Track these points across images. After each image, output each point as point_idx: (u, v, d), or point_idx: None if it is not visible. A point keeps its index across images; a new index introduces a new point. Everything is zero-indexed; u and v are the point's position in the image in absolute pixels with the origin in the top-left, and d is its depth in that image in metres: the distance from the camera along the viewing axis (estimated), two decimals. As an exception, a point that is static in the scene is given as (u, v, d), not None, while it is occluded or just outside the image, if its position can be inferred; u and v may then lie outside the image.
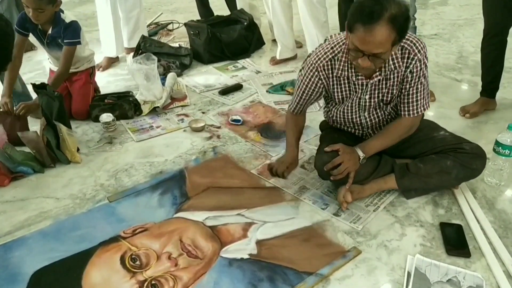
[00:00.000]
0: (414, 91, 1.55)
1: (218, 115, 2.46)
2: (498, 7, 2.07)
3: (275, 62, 3.17)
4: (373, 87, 1.57)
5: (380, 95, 1.59)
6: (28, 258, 1.48)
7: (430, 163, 1.64)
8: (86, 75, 2.53)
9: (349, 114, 1.70)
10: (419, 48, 1.50)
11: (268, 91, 2.71)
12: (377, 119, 1.69)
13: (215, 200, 1.75)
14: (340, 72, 1.56)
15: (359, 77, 1.55)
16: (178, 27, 4.00)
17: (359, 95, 1.61)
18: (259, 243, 1.52)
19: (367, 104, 1.63)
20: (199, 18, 3.77)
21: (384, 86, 1.56)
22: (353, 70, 1.54)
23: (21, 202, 1.79)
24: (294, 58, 3.22)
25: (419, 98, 1.57)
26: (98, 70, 2.97)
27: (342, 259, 1.43)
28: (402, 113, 1.61)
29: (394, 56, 1.48)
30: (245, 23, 3.35)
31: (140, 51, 3.06)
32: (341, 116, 1.73)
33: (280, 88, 2.72)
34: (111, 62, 3.22)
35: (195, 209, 1.70)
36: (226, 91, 2.72)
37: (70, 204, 1.76)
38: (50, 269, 1.44)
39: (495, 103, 2.34)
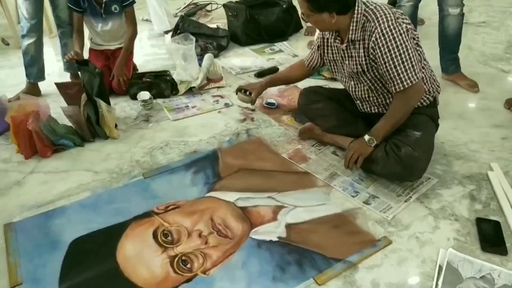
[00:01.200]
0: (392, 65, 1.56)
1: (253, 98, 2.46)
2: None
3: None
4: (347, 54, 1.71)
5: (354, 62, 1.70)
6: (67, 227, 1.56)
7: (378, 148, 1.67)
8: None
9: (344, 83, 1.86)
10: (381, 21, 1.54)
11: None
12: (362, 89, 1.76)
13: (246, 182, 1.76)
14: (327, 35, 1.80)
15: (336, 41, 1.73)
16: (216, 8, 4.00)
17: (341, 60, 1.77)
18: (288, 226, 1.53)
19: (349, 70, 1.74)
20: (238, -1, 3.75)
21: (354, 53, 1.68)
22: (332, 35, 1.76)
23: (62, 173, 1.87)
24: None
25: (400, 71, 1.56)
26: None
27: (372, 248, 1.42)
28: (393, 89, 1.62)
29: (352, 27, 1.61)
30: (284, 6, 3.31)
31: (179, 31, 3.09)
32: (344, 85, 1.88)
33: (317, 73, 2.67)
34: None
35: (226, 190, 1.72)
36: (262, 73, 2.71)
37: (107, 178, 1.83)
38: (87, 238, 1.51)
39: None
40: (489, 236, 1.44)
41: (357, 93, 1.80)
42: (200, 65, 2.67)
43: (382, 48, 1.55)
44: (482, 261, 1.35)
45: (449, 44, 2.46)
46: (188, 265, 1.38)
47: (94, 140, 2.09)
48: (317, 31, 2.04)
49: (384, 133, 1.65)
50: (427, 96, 1.72)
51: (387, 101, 1.75)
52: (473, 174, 1.76)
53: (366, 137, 1.66)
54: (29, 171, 1.89)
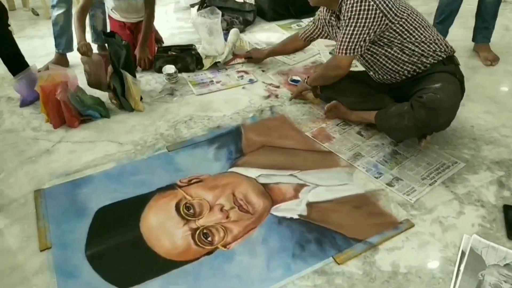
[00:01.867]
0: (342, 31, 1.70)
1: (278, 75, 2.44)
2: None
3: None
4: (338, 27, 1.81)
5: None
6: (94, 196, 1.60)
7: (400, 104, 1.69)
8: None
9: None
10: None
11: (331, 52, 2.62)
12: (369, 60, 1.82)
13: (269, 159, 1.76)
14: (325, 13, 1.93)
15: (332, 18, 1.87)
16: (243, -18, 3.92)
17: (335, 36, 1.88)
18: (309, 205, 1.53)
19: None
20: (266, -28, 3.66)
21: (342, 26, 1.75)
22: (328, 12, 1.89)
23: (89, 143, 1.91)
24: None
25: (342, 39, 1.69)
26: None
27: (393, 230, 1.41)
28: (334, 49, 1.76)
29: (344, 3, 1.68)
30: (313, -20, 3.21)
31: (205, 4, 3.05)
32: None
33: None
34: None
35: (249, 166, 1.73)
36: None
37: (131, 150, 1.86)
38: (113, 207, 1.55)
39: None
40: (516, 224, 1.41)
41: (365, 64, 1.87)
42: (225, 39, 2.65)
43: (346, 16, 1.66)
44: (507, 249, 1.32)
45: (483, 13, 2.46)
46: (209, 238, 1.41)
47: (111, 90, 2.11)
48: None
49: (315, 83, 1.99)
50: (434, 55, 1.71)
51: (401, 68, 1.75)
52: (502, 160, 1.71)
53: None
54: (58, 140, 1.94)
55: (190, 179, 1.66)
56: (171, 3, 3.62)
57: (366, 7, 1.61)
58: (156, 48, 2.63)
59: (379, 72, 1.83)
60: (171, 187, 1.63)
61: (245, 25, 3.04)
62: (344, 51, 1.70)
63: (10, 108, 2.21)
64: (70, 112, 1.99)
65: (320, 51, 2.67)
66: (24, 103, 2.22)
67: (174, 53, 2.50)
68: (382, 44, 1.72)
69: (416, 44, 1.69)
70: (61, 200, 1.59)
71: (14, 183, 1.69)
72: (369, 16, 1.61)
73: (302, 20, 3.15)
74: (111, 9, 2.56)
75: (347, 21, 1.66)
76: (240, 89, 2.31)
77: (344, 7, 1.66)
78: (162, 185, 1.64)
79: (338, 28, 1.80)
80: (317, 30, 2.05)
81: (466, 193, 1.56)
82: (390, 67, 1.77)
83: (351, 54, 1.70)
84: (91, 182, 1.67)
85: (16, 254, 1.38)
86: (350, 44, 1.68)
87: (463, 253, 1.32)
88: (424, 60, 1.71)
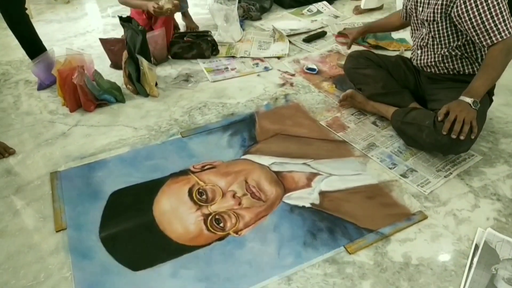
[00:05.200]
0: (488, 16, 1.48)
1: (293, 62, 2.41)
2: None
3: (359, 11, 3.00)
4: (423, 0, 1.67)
5: (430, 7, 1.63)
6: (108, 179, 1.62)
7: (421, 113, 1.64)
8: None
9: (415, 30, 1.80)
10: None
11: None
12: (431, 38, 1.70)
13: (282, 147, 1.76)
14: None
15: None
16: (261, -32, 3.87)
17: (419, 5, 1.71)
18: (322, 194, 1.52)
19: (424, 13, 1.67)
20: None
21: (431, 0, 1.63)
22: None
23: (104, 127, 1.93)
24: (380, 8, 3.02)
25: (497, 21, 1.48)
26: None
27: (406, 222, 1.40)
28: (488, 41, 1.51)
29: None
30: (332, -33, 3.16)
31: (222, -10, 3.03)
32: (412, 35, 1.84)
33: (362, 40, 2.58)
34: None
35: (262, 153, 1.73)
36: (309, 38, 2.63)
37: (146, 135, 1.87)
38: (127, 191, 1.57)
39: None
40: (532, 219, 1.38)
41: (423, 41, 1.75)
42: (242, 27, 2.63)
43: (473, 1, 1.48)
44: (522, 244, 1.30)
45: None
46: (221, 224, 1.42)
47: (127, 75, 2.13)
48: None
49: (483, 91, 1.50)
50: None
51: (447, 59, 1.70)
52: (521, 153, 1.68)
53: (466, 98, 1.48)
54: (74, 124, 1.97)
55: (204, 165, 1.67)
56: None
57: None
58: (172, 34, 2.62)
59: (429, 53, 1.74)
60: (185, 172, 1.64)
61: (262, 12, 3.02)
62: (507, 30, 1.48)
63: (28, 91, 2.25)
64: (86, 96, 2.01)
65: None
66: (41, 87, 2.25)
67: (190, 39, 2.49)
68: (460, 26, 1.60)
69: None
70: (76, 183, 1.61)
71: (31, 165, 1.72)
72: None
73: (313, 4, 3.10)
74: None
75: (485, 4, 1.47)
76: (255, 76, 2.30)
77: None
78: (176, 170, 1.65)
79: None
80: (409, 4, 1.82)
81: (482, 186, 1.53)
82: (446, 52, 1.68)
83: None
84: (106, 166, 1.69)
85: (33, 234, 1.41)
86: (508, 21, 1.48)
87: (476, 247, 1.30)
88: (476, 66, 1.66)
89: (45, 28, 2.96)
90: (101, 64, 2.38)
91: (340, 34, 2.20)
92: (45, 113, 2.06)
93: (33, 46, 2.31)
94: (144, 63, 2.07)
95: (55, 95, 2.15)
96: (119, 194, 1.56)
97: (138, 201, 1.52)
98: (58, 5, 3.46)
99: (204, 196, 1.53)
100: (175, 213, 1.47)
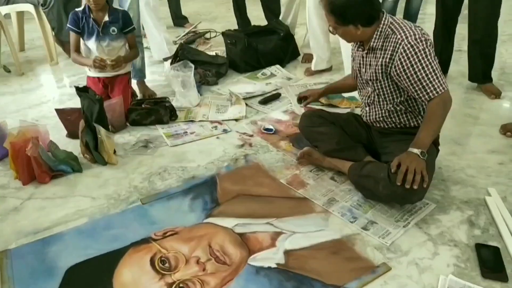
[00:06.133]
0: (423, 74, 1.62)
1: (251, 124, 2.49)
2: None
3: (310, 73, 3.18)
4: (366, 60, 1.80)
5: (372, 68, 1.78)
6: (64, 254, 1.54)
7: (375, 166, 1.72)
8: (126, 79, 2.63)
9: (361, 89, 1.93)
10: (408, 34, 1.63)
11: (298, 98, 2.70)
12: (376, 96, 1.83)
13: (244, 208, 1.76)
14: (352, 46, 1.91)
15: (359, 49, 1.84)
16: (215, 36, 4.09)
17: (359, 67, 1.87)
18: (287, 253, 1.51)
19: (367, 73, 1.81)
20: (236, 27, 3.84)
21: (372, 61, 1.77)
22: (356, 44, 1.86)
23: (60, 199, 1.86)
24: (329, 69, 3.22)
25: (432, 79, 1.62)
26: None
27: (371, 275, 1.41)
28: (426, 97, 1.64)
29: (375, 35, 1.71)
30: (282, 34, 3.38)
31: (178, 58, 3.14)
32: (360, 93, 1.97)
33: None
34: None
35: (225, 216, 1.72)
36: (266, 100, 2.74)
37: (105, 204, 1.82)
38: (84, 265, 1.49)
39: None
40: (489, 262, 1.43)
41: (369, 99, 1.87)
42: (199, 92, 2.71)
43: (412, 58, 1.61)
44: (482, 288, 1.34)
45: None
46: (186, 293, 1.37)
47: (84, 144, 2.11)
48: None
49: (429, 142, 1.62)
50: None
51: (393, 114, 1.82)
52: (471, 199, 1.76)
53: (414, 150, 1.57)
54: (27, 197, 1.89)
55: (165, 232, 1.63)
56: (144, 57, 3.70)
57: (425, 45, 1.61)
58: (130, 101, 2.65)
59: (376, 109, 1.86)
60: (146, 240, 1.59)
61: (218, 77, 3.13)
62: (441, 86, 1.62)
63: (-23, 166, 2.15)
64: (40, 167, 1.95)
65: (291, 99, 2.75)
66: (-8, 160, 2.16)
67: (148, 105, 2.53)
68: (400, 84, 1.73)
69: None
70: (28, 260, 1.52)
71: (-21, 244, 1.61)
72: (431, 51, 1.62)
73: (266, 68, 3.26)
74: (88, 69, 2.59)
75: (419, 64, 1.60)
76: (214, 139, 2.34)
77: (404, 54, 1.62)
78: (137, 239, 1.60)
79: (365, 60, 1.81)
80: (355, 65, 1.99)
81: (439, 233, 1.59)
82: (392, 107, 1.80)
83: (447, 87, 1.64)
84: (62, 240, 1.61)
85: (-22, 322, 1.30)
86: (440, 78, 1.62)
87: (441, 295, 1.32)
88: (420, 118, 1.78)
89: (-2, 101, 2.91)
90: (57, 134, 2.35)
91: (300, 101, 2.28)
92: (-5, 187, 1.97)
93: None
94: (101, 131, 2.06)
95: (7, 169, 2.07)
96: (75, 269, 1.48)
97: (97, 275, 1.45)
98: (12, 77, 3.43)
99: (166, 264, 1.48)
100: (137, 285, 1.40)
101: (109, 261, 1.50)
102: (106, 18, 2.45)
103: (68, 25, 2.48)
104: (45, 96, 2.95)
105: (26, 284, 1.42)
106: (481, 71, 2.71)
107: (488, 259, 1.45)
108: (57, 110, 2.39)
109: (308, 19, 3.03)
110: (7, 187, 1.97)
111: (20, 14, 3.71)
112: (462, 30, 2.94)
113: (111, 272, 1.45)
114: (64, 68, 3.61)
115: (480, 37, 2.60)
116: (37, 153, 1.93)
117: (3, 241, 1.62)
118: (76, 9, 2.49)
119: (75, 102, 2.67)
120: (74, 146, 2.22)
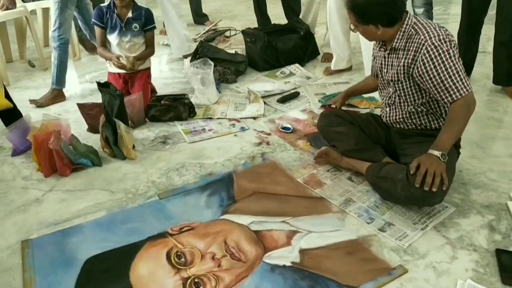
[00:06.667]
0: (447, 75, 1.59)
1: (269, 122, 2.49)
2: None
3: (329, 72, 3.15)
4: (388, 60, 1.79)
5: (394, 69, 1.76)
6: (82, 245, 1.57)
7: (394, 167, 1.70)
8: (146, 75, 2.66)
9: (382, 89, 1.92)
10: (432, 35, 1.61)
11: (320, 101, 2.69)
12: (397, 97, 1.81)
13: (261, 206, 1.76)
14: (374, 46, 1.91)
15: (381, 49, 1.82)
16: (235, 34, 4.10)
17: (380, 67, 1.85)
18: (302, 252, 1.51)
19: (388, 74, 1.80)
20: (256, 26, 3.84)
21: (394, 62, 1.75)
22: (378, 44, 1.85)
23: (80, 192, 1.90)
24: (349, 69, 3.19)
25: (456, 80, 1.59)
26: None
27: (387, 276, 1.39)
28: (449, 99, 1.61)
29: (398, 35, 1.69)
30: (302, 33, 3.36)
31: (198, 56, 3.16)
32: (381, 94, 1.96)
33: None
34: None
35: (241, 213, 1.72)
36: (285, 99, 2.74)
37: (123, 198, 1.85)
38: (102, 257, 1.52)
39: None
40: (509, 268, 1.40)
41: (390, 100, 1.85)
42: (218, 89, 2.72)
43: (435, 60, 1.59)
44: (502, 294, 1.31)
45: None
46: (201, 287, 1.38)
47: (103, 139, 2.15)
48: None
49: (450, 144, 1.59)
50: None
51: (414, 116, 1.80)
52: (492, 203, 1.72)
53: (435, 152, 1.54)
54: (48, 189, 1.93)
55: (182, 227, 1.65)
56: (164, 54, 3.74)
57: (449, 46, 1.60)
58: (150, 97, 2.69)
59: (397, 110, 1.84)
60: (162, 235, 1.61)
61: (237, 75, 3.14)
62: (465, 88, 1.59)
63: (1, 158, 2.22)
64: (62, 160, 2.00)
65: (310, 99, 2.75)
66: (15, 152, 2.22)
67: (167, 102, 2.55)
68: (422, 85, 1.71)
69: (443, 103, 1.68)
70: (49, 250, 1.55)
71: (1, 234, 1.66)
72: (455, 52, 1.61)
73: (286, 67, 3.25)
74: (109, 65, 2.64)
75: (442, 66, 1.58)
76: (232, 136, 2.35)
77: (427, 54, 1.60)
78: (153, 233, 1.62)
79: (386, 60, 1.79)
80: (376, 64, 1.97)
81: (458, 237, 1.56)
82: (413, 109, 1.78)
83: (471, 88, 1.61)
84: (81, 232, 1.64)
85: (0, 308, 1.34)
86: (464, 80, 1.59)
87: (458, 299, 1.30)
88: (441, 121, 1.76)
89: (22, 95, 2.98)
90: (78, 128, 2.40)
91: (324, 106, 2.29)
92: (18, 179, 2.02)
93: (8, 113, 2.31)
94: (121, 126, 2.09)
95: (30, 161, 2.13)
96: (94, 260, 1.51)
97: (114, 267, 1.47)
98: (36, 72, 3.51)
99: (182, 259, 1.49)
100: (152, 278, 1.42)
101: (126, 254, 1.52)
102: (130, 15, 2.51)
103: (93, 19, 2.55)
104: (67, 91, 3.01)
105: (46, 273, 1.45)
106: (506, 73, 2.65)
107: (508, 265, 1.41)
108: (78, 104, 2.44)
109: (328, 18, 3.01)
110: (30, 179, 2.02)
111: (46, 10, 3.79)
112: (487, 31, 2.88)
113: (128, 265, 1.47)
114: (86, 64, 3.67)
115: (507, 39, 2.54)
116: (59, 146, 1.97)
117: (25, 231, 1.66)
118: (101, 4, 2.56)
119: (96, 97, 2.72)
120: (94, 141, 2.26)
